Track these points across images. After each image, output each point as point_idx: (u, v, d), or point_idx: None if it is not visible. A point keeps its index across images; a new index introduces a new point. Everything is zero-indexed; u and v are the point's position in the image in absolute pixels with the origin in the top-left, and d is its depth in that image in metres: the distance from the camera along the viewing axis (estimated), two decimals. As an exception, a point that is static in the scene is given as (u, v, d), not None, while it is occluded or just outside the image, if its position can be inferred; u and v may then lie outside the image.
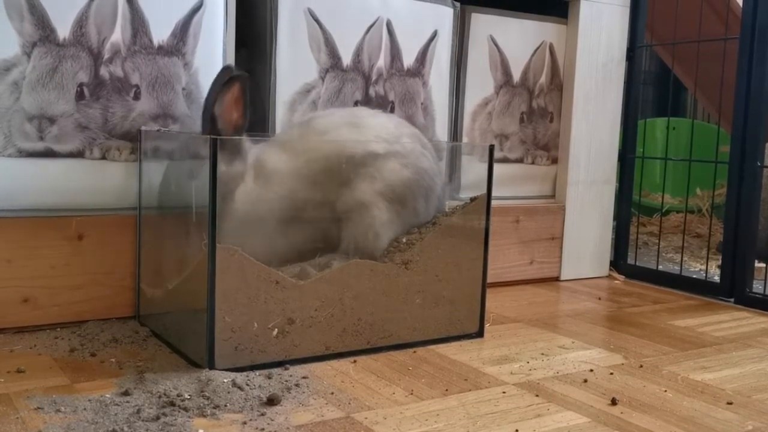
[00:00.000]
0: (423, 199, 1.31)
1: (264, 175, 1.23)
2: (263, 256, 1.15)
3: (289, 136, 1.37)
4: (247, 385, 1.04)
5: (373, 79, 1.59)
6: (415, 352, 1.26)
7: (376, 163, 1.27)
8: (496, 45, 1.79)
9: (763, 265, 1.80)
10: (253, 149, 1.24)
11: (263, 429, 0.92)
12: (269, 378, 1.08)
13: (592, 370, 1.21)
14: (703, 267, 1.99)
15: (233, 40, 1.45)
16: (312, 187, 1.25)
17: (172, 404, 0.97)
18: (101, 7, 1.29)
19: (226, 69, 1.24)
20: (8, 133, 1.24)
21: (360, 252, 1.25)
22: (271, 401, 1.00)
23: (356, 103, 1.57)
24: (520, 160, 1.88)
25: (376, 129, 1.30)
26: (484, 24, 1.77)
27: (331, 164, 1.25)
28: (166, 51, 1.35)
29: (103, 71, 1.30)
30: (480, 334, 1.37)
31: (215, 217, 1.08)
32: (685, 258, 2.10)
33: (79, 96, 1.29)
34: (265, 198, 1.23)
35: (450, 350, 1.28)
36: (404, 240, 1.28)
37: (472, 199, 1.35)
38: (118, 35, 1.31)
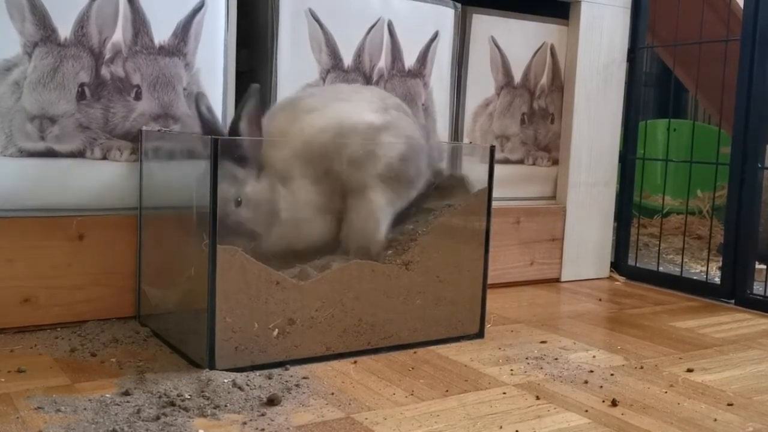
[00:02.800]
0: (415, 166, 1.29)
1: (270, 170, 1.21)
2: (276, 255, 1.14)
3: (278, 123, 1.29)
4: (248, 385, 1.04)
5: (374, 80, 1.59)
6: (415, 352, 1.26)
7: (375, 138, 1.25)
8: (497, 46, 1.79)
9: (763, 266, 1.80)
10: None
11: (263, 429, 0.92)
12: (269, 378, 1.08)
13: (592, 371, 1.21)
14: (704, 268, 1.99)
15: (234, 40, 1.45)
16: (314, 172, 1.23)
17: (173, 404, 0.97)
18: (102, 7, 1.29)
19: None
20: (9, 132, 1.24)
21: (362, 240, 1.24)
22: (272, 401, 1.00)
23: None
24: (521, 162, 1.88)
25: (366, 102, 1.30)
26: (485, 25, 1.77)
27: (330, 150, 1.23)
28: (167, 51, 1.35)
29: (104, 71, 1.30)
30: (480, 334, 1.37)
31: (216, 217, 1.08)
32: (685, 259, 2.10)
33: (80, 96, 1.29)
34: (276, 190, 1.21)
35: (450, 351, 1.28)
36: (411, 226, 1.27)
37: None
38: (119, 35, 1.31)
